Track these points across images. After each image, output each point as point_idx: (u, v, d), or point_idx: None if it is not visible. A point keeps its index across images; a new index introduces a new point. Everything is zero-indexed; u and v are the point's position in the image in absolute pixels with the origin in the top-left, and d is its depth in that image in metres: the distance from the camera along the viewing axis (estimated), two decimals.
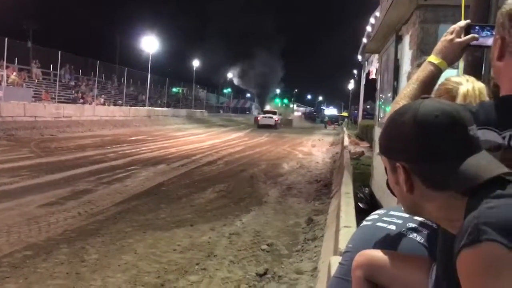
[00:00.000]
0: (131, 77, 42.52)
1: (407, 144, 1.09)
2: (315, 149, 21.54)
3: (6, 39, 23.03)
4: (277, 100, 75.13)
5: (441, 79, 1.80)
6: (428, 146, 1.07)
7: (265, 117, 44.38)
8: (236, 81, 76.64)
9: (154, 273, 4.68)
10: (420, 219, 1.61)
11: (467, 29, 1.65)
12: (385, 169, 1.20)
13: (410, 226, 1.62)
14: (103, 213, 7.09)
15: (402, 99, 1.57)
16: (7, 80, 24.45)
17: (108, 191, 8.82)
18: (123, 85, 39.76)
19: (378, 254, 1.45)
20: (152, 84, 42.70)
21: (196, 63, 59.98)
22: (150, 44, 41.89)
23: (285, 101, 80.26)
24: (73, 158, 13.24)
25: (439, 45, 1.65)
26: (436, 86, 1.79)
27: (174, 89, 57.24)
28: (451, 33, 1.65)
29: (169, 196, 8.72)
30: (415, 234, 1.59)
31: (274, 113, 46.03)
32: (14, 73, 26.71)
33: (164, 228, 6.34)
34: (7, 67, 25.04)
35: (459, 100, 1.85)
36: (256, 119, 45.77)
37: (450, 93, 1.90)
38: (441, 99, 1.33)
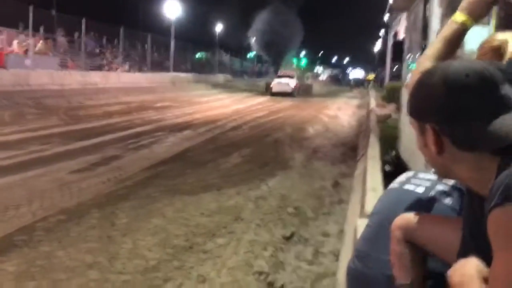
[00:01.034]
0: (155, 43, 42.42)
1: (436, 105, 1.07)
2: (341, 112, 21.33)
3: (31, 7, 23.13)
4: (295, 60, 62.33)
5: (471, 38, 1.72)
6: (458, 106, 1.04)
7: (280, 82, 33.81)
8: (253, 44, 67.36)
9: (182, 236, 4.79)
10: (449, 181, 1.58)
11: None
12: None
13: (438, 189, 1.59)
14: (132, 179, 7.24)
15: (426, 60, 1.51)
16: (34, 49, 24.72)
17: (136, 157, 8.98)
18: (147, 52, 39.77)
19: (415, 216, 1.44)
20: (175, 50, 42.53)
21: (219, 28, 59.30)
22: (172, 9, 41.53)
23: (304, 61, 64.72)
24: (101, 125, 13.46)
25: (464, 1, 1.57)
26: (479, 45, 1.72)
27: (198, 55, 56.94)
28: None
29: (196, 161, 8.82)
30: (444, 196, 1.56)
31: (291, 76, 35.58)
32: (41, 42, 26.97)
33: (191, 193, 6.44)
34: (33, 36, 25.26)
35: (507, 58, 1.77)
36: (268, 86, 35.07)
37: (497, 51, 1.81)
38: (486, 57, 1.28)
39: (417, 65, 1.51)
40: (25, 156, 8.52)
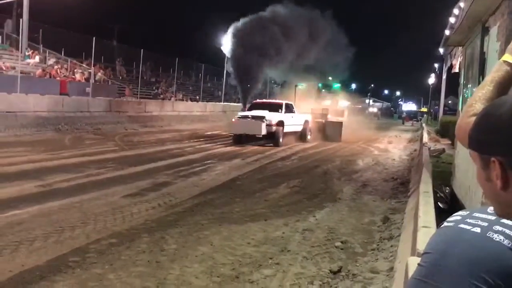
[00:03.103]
0: (208, 73, 43.58)
1: (504, 136, 1.05)
2: (392, 145, 20.91)
3: (94, 38, 24.50)
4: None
5: None
6: None
7: (246, 119, 18.62)
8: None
9: (229, 265, 4.80)
10: (508, 222, 1.53)
11: None
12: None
13: (496, 229, 1.54)
14: (181, 205, 7.37)
15: (476, 102, 1.48)
16: (94, 77, 26.05)
17: (186, 184, 9.15)
18: (200, 81, 40.87)
19: None
20: (228, 80, 43.46)
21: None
22: (226, 44, 42.67)
23: (335, 86, 37.59)
24: (154, 152, 13.87)
25: None
26: None
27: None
28: None
29: (244, 190, 8.87)
30: (502, 238, 1.50)
31: (276, 107, 19.60)
32: (101, 71, 28.39)
33: (238, 222, 6.47)
34: (94, 65, 26.67)
35: None
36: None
37: None
38: None
39: (466, 108, 1.48)
40: (82, 179, 8.89)
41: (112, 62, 33.29)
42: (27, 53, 23.94)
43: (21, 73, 19.69)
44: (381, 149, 18.83)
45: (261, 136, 17.87)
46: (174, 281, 4.30)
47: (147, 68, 35.48)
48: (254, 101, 23.16)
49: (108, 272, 4.44)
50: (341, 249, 5.49)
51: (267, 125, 17.89)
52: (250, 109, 20.22)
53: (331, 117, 23.63)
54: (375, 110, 74.47)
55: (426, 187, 5.99)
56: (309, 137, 20.82)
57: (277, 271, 4.69)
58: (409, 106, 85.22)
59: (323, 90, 31.83)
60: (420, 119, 53.56)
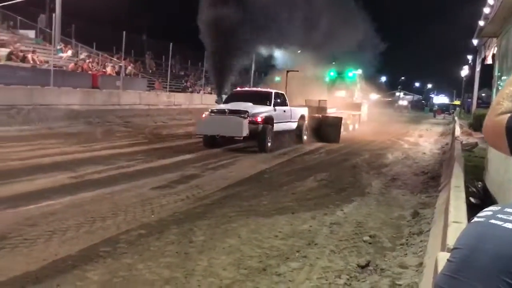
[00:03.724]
0: (258, 70, 43.48)
1: None
2: (423, 139, 20.55)
3: (124, 32, 24.84)
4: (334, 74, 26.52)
5: None
6: None
7: (221, 115, 13.81)
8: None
9: (256, 257, 4.82)
10: None
11: None
12: None
13: None
14: (209, 198, 7.43)
15: (504, 100, 1.42)
16: (125, 71, 26.46)
17: (214, 177, 9.22)
18: (251, 78, 40.87)
19: None
20: (256, 73, 43.36)
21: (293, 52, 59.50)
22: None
23: (348, 75, 26.44)
24: (182, 144, 14.03)
25: None
26: None
27: (277, 78, 57.42)
28: None
29: (271, 183, 8.88)
30: None
31: (263, 99, 14.84)
32: (131, 64, 28.82)
33: (266, 215, 6.49)
34: (124, 59, 27.08)
35: None
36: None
37: None
38: None
39: (495, 106, 1.42)
40: (113, 171, 9.06)
41: (142, 55, 33.76)
42: (59, 47, 24.49)
43: (54, 67, 20.15)
44: (412, 143, 18.52)
45: (241, 138, 12.95)
46: (202, 272, 4.34)
47: (176, 62, 35.83)
48: (234, 89, 18.01)
49: (138, 262, 4.52)
50: (369, 243, 5.44)
51: (250, 122, 13.10)
52: (227, 100, 15.15)
53: (337, 112, 19.73)
54: (405, 103, 73.07)
55: (457, 181, 5.86)
56: (305, 137, 16.41)
57: (304, 264, 4.68)
58: (441, 99, 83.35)
59: (334, 78, 25.89)
60: (453, 112, 52.35)
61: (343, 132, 18.38)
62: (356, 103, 24.78)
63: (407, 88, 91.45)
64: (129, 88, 24.61)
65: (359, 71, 26.69)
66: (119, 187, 7.73)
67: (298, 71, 21.55)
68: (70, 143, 12.69)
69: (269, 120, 13.83)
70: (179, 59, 36.92)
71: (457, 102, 70.69)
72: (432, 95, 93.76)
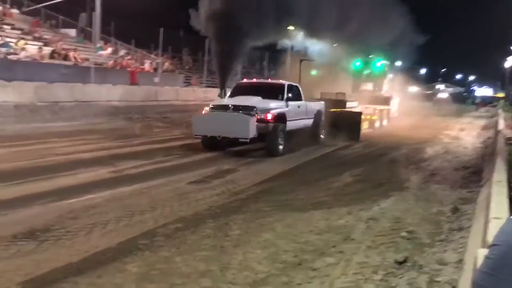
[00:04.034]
0: (272, 61, 43.54)
1: None
2: (464, 133, 19.95)
3: (162, 29, 25.22)
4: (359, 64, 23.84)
5: None
6: None
7: (223, 111, 11.79)
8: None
9: (291, 252, 4.82)
10: None
11: None
12: None
13: None
14: (245, 192, 7.48)
15: None
16: (162, 67, 26.89)
17: (249, 171, 9.27)
18: (264, 69, 40.97)
19: None
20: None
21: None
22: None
23: (375, 66, 23.94)
24: None
25: None
26: None
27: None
28: None
29: (307, 178, 8.84)
30: None
31: (274, 92, 12.62)
32: (169, 61, 29.25)
33: (301, 209, 6.47)
34: (162, 55, 27.51)
35: None
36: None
37: None
38: None
39: None
40: (151, 166, 9.25)
41: (179, 52, 34.15)
42: (99, 45, 25.12)
43: (94, 64, 20.70)
44: (452, 137, 18.02)
45: (247, 140, 11.11)
46: (237, 266, 4.38)
47: (212, 57, 36.08)
48: (240, 81, 15.66)
49: (175, 255, 4.61)
50: (407, 239, 5.33)
51: (258, 121, 11.17)
52: (232, 94, 13.04)
53: (360, 106, 17.87)
54: (445, 95, 70.89)
55: (499, 176, 5.68)
56: (322, 136, 14.33)
57: (340, 259, 4.64)
58: (483, 91, 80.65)
59: (360, 69, 23.58)
60: (496, 105, 50.54)
61: (367, 130, 17.33)
62: (385, 96, 22.61)
63: (448, 80, 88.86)
64: (167, 84, 24.99)
65: (384, 62, 24.01)
66: (157, 182, 7.88)
67: (314, 60, 20.52)
68: (110, 139, 13.02)
69: (281, 118, 11.77)
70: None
71: (501, 95, 68.14)
72: (474, 87, 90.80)
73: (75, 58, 21.35)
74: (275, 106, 11.85)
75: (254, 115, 11.12)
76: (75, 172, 8.26)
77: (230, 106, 11.67)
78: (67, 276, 4.02)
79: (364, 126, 17.24)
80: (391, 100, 22.71)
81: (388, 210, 6.59)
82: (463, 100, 70.24)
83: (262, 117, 11.25)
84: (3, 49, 17.93)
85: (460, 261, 4.45)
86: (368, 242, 5.16)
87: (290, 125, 12.12)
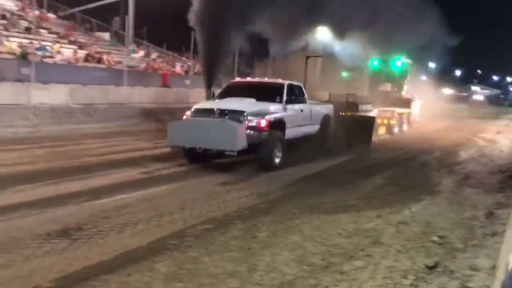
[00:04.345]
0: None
1: None
2: (500, 136, 19.36)
3: (192, 32, 25.52)
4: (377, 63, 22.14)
5: None
6: None
7: (205, 117, 9.80)
8: None
9: (319, 254, 4.79)
10: None
11: None
12: None
13: None
14: (273, 194, 7.50)
15: None
16: (193, 70, 27.18)
17: (277, 174, 9.27)
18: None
19: None
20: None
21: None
22: None
23: (395, 65, 22.00)
24: None
25: None
26: None
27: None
28: None
29: (335, 180, 8.78)
30: None
31: (271, 93, 10.74)
32: (199, 63, 29.57)
33: (329, 212, 6.42)
34: (193, 58, 27.83)
35: None
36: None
37: None
38: None
39: None
40: (180, 168, 9.39)
41: None
42: (132, 49, 25.62)
43: (127, 67, 21.11)
44: (488, 140, 17.53)
45: (235, 153, 9.16)
46: (265, 267, 4.39)
47: (242, 59, 36.25)
48: (232, 80, 13.37)
49: (203, 255, 4.65)
50: (439, 244, 5.22)
51: (249, 128, 9.35)
52: (222, 95, 11.38)
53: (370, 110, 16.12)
54: (481, 97, 68.97)
55: None
56: (329, 145, 12.18)
57: (368, 263, 4.59)
58: None
59: (378, 69, 21.85)
60: None
61: (384, 136, 16.18)
62: (405, 98, 20.87)
63: (484, 82, 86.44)
64: (197, 86, 25.22)
65: (405, 61, 21.99)
66: (186, 183, 8.00)
67: (320, 56, 19.26)
68: (142, 140, 13.27)
69: (278, 124, 9.97)
70: (245, 56, 37.32)
71: None
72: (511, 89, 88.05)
73: (108, 61, 21.82)
74: (271, 110, 10.06)
75: (244, 122, 9.32)
76: (108, 172, 8.46)
77: (215, 110, 9.71)
78: (98, 274, 4.11)
79: (381, 132, 16.13)
80: (412, 103, 20.99)
81: (419, 214, 6.47)
82: (500, 102, 68.17)
83: (254, 124, 9.40)
84: (40, 53, 18.46)
85: (493, 267, 4.34)
86: (398, 246, 5.08)
87: (290, 133, 10.42)
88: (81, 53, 21.25)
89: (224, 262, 4.49)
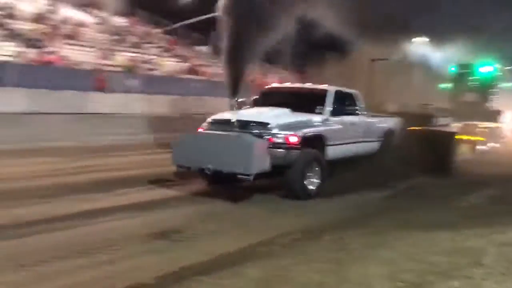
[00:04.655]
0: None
1: None
2: None
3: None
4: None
5: None
6: None
7: (220, 130, 8.04)
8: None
9: (413, 271, 4.60)
10: None
11: None
12: None
13: None
14: (365, 207, 7.42)
15: None
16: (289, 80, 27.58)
17: (372, 187, 9.00)
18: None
19: None
20: None
21: None
22: None
23: (476, 70, 18.51)
24: None
25: None
26: None
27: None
28: None
29: (432, 196, 8.41)
30: None
31: (311, 102, 8.83)
32: (288, 73, 29.92)
33: (425, 229, 6.14)
34: (288, 70, 28.25)
35: None
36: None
37: None
38: None
39: None
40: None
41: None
42: None
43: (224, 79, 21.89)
44: None
45: (250, 178, 7.12)
46: (353, 280, 4.31)
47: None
48: (268, 86, 11.39)
49: (291, 264, 4.69)
50: None
51: (271, 146, 7.45)
52: (255, 103, 9.78)
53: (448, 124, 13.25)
54: None
55: None
56: (394, 166, 9.51)
57: (467, 284, 4.32)
58: None
59: (459, 76, 18.99)
60: None
61: (469, 155, 13.32)
62: (492, 110, 17.62)
63: None
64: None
65: (495, 66, 18.52)
66: (278, 192, 8.09)
67: (387, 59, 16.98)
68: None
69: (315, 141, 8.08)
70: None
71: None
72: None
73: (206, 73, 22.86)
74: (308, 123, 8.21)
75: (267, 137, 7.56)
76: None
77: (233, 121, 8.06)
78: (194, 275, 4.32)
79: (462, 150, 12.84)
80: (501, 116, 17.44)
81: None
82: None
83: (281, 140, 7.55)
84: (145, 66, 19.87)
85: None
86: (501, 269, 4.72)
87: (334, 152, 8.49)
88: (182, 66, 22.50)
89: (312, 273, 4.46)
